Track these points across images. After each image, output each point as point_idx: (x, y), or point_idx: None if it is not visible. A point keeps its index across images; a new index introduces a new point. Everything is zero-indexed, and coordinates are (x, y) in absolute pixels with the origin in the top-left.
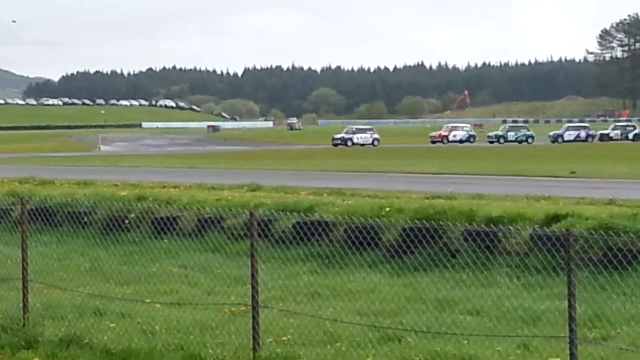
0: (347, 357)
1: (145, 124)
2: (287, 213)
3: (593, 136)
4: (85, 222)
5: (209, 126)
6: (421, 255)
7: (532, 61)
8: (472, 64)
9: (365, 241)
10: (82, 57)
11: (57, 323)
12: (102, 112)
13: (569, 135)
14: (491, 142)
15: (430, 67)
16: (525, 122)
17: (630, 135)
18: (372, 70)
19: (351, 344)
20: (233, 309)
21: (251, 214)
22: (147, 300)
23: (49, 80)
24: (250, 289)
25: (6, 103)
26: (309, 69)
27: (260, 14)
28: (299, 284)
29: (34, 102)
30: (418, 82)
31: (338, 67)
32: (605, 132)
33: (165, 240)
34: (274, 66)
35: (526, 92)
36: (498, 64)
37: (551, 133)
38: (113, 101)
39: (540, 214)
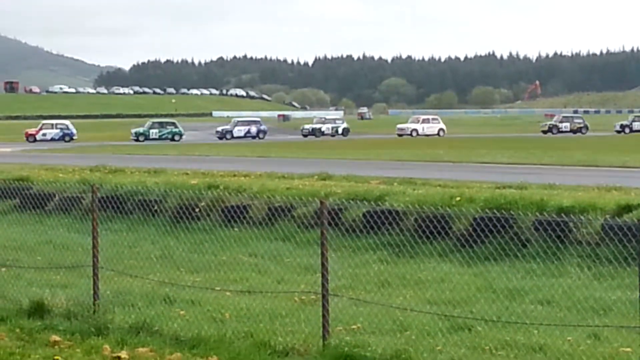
0: (417, 345)
1: (215, 113)
2: (358, 202)
3: None
4: (156, 210)
5: (279, 115)
6: (491, 244)
7: (604, 51)
8: (544, 54)
9: (436, 230)
10: (153, 46)
11: (127, 310)
12: (173, 101)
13: (637, 125)
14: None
15: (502, 56)
16: (597, 112)
17: None
18: (442, 59)
19: (421, 332)
20: (303, 297)
21: (321, 203)
22: (217, 288)
23: (119, 69)
24: (320, 277)
25: (77, 92)
26: (380, 58)
27: (332, 2)
28: (368, 273)
29: (105, 91)
30: (489, 72)
31: (409, 57)
32: None
33: (236, 229)
34: (344, 55)
35: (598, 82)
36: (569, 54)
37: (617, 123)
38: (184, 90)
39: (611, 204)
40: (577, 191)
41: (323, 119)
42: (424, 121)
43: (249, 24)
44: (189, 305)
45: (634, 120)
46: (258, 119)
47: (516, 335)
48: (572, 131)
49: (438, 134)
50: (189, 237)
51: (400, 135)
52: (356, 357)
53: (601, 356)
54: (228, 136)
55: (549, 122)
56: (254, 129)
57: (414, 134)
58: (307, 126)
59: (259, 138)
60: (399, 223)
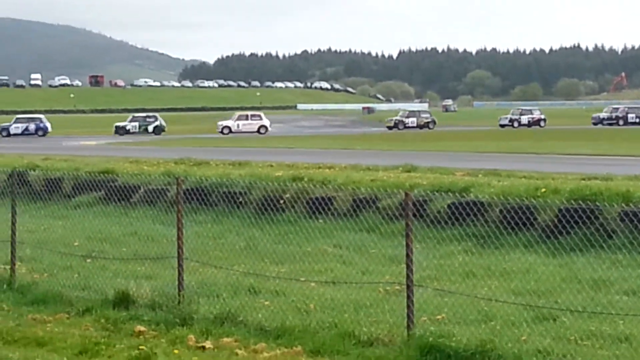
0: (502, 335)
1: (300, 106)
2: (442, 193)
3: None
4: (241, 202)
5: (364, 108)
6: (577, 235)
7: None
8: (629, 46)
9: (521, 221)
10: (237, 40)
11: (211, 301)
12: (258, 94)
13: None
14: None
15: (587, 48)
16: None
17: None
18: (527, 51)
19: (506, 323)
20: (387, 288)
21: (406, 194)
22: (302, 279)
23: (204, 62)
24: (404, 268)
25: (162, 85)
26: (464, 50)
27: None
28: (453, 264)
29: (190, 85)
30: (574, 64)
31: (493, 49)
32: None
33: (320, 220)
34: (429, 48)
35: None
36: None
37: None
38: (268, 83)
39: None
40: None
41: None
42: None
43: (333, 17)
44: (273, 296)
45: None
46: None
47: (602, 325)
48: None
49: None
50: (273, 229)
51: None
52: (441, 347)
53: None
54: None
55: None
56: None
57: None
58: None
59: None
60: (483, 214)
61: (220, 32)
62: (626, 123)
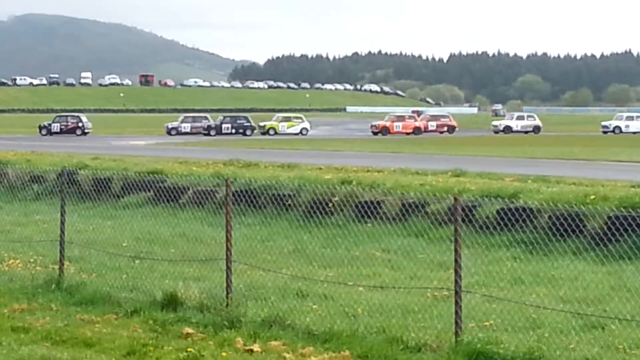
0: (550, 343)
1: (349, 108)
2: (491, 199)
3: None
4: (289, 205)
5: (413, 111)
6: (626, 243)
7: None
8: None
9: (570, 228)
10: (288, 41)
11: (259, 304)
12: (307, 95)
13: None
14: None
15: (638, 54)
16: None
17: None
18: (578, 57)
19: (554, 330)
20: (436, 294)
21: (455, 199)
22: (350, 283)
23: (254, 63)
24: (453, 273)
25: (212, 85)
26: (515, 55)
27: None
28: (501, 270)
29: (239, 85)
30: (625, 70)
31: (544, 54)
32: None
33: (369, 224)
34: (479, 52)
35: None
36: None
37: None
38: (318, 85)
39: None
40: None
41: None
42: (518, 118)
43: (383, 20)
44: (321, 300)
45: None
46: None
47: None
48: None
49: (533, 131)
50: (321, 232)
51: (605, 132)
52: (489, 354)
53: None
54: None
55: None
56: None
57: (617, 131)
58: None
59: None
60: (532, 220)
61: (270, 32)
62: None
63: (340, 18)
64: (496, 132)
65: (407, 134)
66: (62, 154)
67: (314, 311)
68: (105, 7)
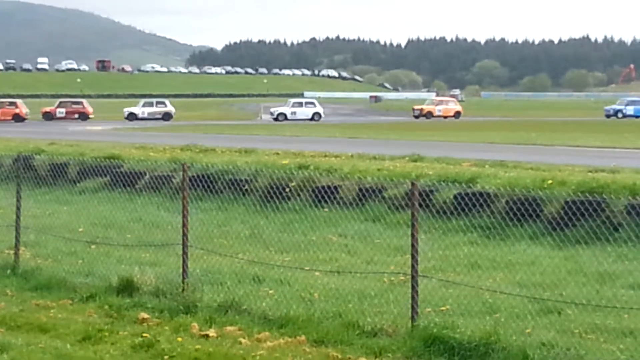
0: (506, 328)
1: (307, 94)
2: (449, 184)
3: None
4: (246, 190)
5: (371, 96)
6: (583, 228)
7: None
8: (639, 37)
9: (527, 213)
10: (245, 26)
11: (215, 289)
12: (265, 81)
13: None
14: (608, 117)
15: (596, 40)
16: None
17: None
18: (536, 42)
19: (510, 315)
20: (392, 278)
21: (412, 184)
22: (306, 268)
23: (212, 49)
24: (409, 258)
25: (169, 71)
26: (473, 40)
27: None
28: (458, 255)
29: (197, 71)
30: (583, 55)
31: (502, 39)
32: None
33: (326, 209)
34: (437, 37)
35: None
36: None
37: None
38: (275, 70)
39: None
40: None
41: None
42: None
43: (341, 5)
44: (277, 285)
45: None
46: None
47: (606, 319)
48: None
49: (454, 117)
50: (278, 217)
51: (608, 117)
52: (445, 339)
53: None
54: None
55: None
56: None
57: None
58: (416, 107)
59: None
60: (490, 205)
61: (228, 18)
62: None
63: (298, 3)
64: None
65: (446, 117)
66: (18, 139)
67: (270, 296)
68: None
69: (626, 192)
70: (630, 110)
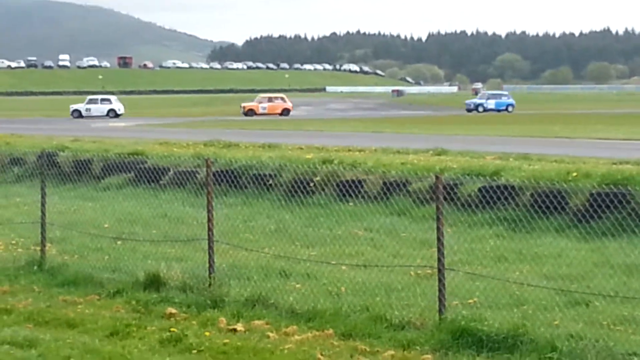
0: (534, 320)
1: (329, 88)
2: (473, 177)
3: None
4: (271, 185)
5: (393, 90)
6: (609, 220)
7: None
8: None
9: (552, 205)
10: (266, 22)
11: (242, 283)
12: (286, 76)
13: None
14: (469, 111)
15: (617, 32)
16: None
17: None
18: (557, 35)
19: (538, 307)
20: (419, 272)
21: (437, 178)
22: (333, 262)
23: (233, 44)
24: (436, 251)
25: (191, 67)
26: (494, 33)
27: None
28: (484, 248)
29: (218, 66)
30: (604, 48)
31: (523, 32)
32: None
33: (351, 203)
34: (458, 31)
35: None
36: None
37: None
38: (297, 65)
39: None
40: None
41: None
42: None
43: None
44: (304, 279)
45: None
46: None
47: (634, 310)
48: None
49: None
50: (303, 212)
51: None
52: (473, 331)
53: None
54: None
55: None
56: None
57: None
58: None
59: None
60: (514, 198)
61: (248, 13)
62: None
63: None
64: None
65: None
66: (42, 136)
67: (297, 290)
68: None
69: None
70: (491, 104)
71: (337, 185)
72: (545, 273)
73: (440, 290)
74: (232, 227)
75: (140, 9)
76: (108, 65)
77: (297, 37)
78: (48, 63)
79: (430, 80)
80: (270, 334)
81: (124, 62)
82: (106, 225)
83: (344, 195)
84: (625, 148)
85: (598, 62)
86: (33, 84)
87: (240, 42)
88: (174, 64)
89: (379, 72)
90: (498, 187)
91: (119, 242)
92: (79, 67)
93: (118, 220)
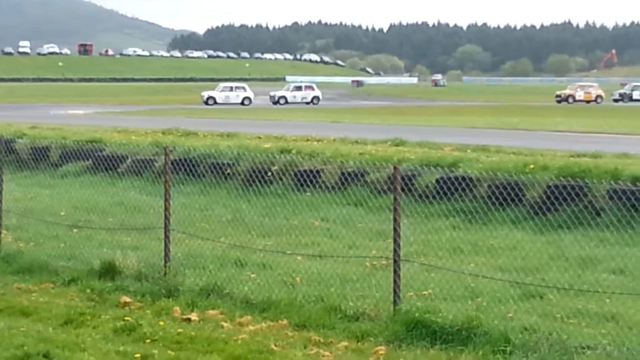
0: (488, 312)
1: (289, 78)
2: (431, 168)
3: None
4: (228, 174)
5: (353, 81)
6: (565, 213)
7: None
8: (620, 23)
9: (509, 197)
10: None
11: (197, 273)
12: (247, 65)
13: None
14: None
15: (578, 25)
16: None
17: None
18: (518, 27)
19: (492, 299)
20: (374, 263)
21: (395, 168)
22: (288, 252)
23: (194, 33)
24: (392, 242)
25: (151, 55)
26: (455, 25)
27: None
28: (440, 239)
29: (179, 55)
30: (565, 40)
31: (484, 24)
32: None
33: (308, 193)
34: (419, 22)
35: None
36: None
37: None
38: (257, 54)
39: None
40: None
41: None
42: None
43: None
44: (259, 269)
45: None
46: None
47: (588, 303)
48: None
49: (595, 101)
50: (260, 201)
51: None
52: (427, 323)
53: None
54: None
55: (619, 91)
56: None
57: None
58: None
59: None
60: (472, 190)
61: (210, 2)
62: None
63: None
64: None
65: (588, 102)
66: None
67: (252, 280)
68: None
69: (608, 177)
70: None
71: (295, 175)
72: (501, 265)
73: (395, 282)
74: (189, 216)
75: None
76: (69, 52)
77: (259, 26)
78: (8, 49)
79: (390, 71)
80: (225, 324)
81: (85, 50)
82: (63, 213)
83: (301, 185)
84: (584, 141)
85: (558, 55)
86: None
87: (201, 31)
88: (135, 52)
89: (339, 62)
90: (456, 178)
91: (75, 230)
92: (39, 54)
93: (75, 208)
